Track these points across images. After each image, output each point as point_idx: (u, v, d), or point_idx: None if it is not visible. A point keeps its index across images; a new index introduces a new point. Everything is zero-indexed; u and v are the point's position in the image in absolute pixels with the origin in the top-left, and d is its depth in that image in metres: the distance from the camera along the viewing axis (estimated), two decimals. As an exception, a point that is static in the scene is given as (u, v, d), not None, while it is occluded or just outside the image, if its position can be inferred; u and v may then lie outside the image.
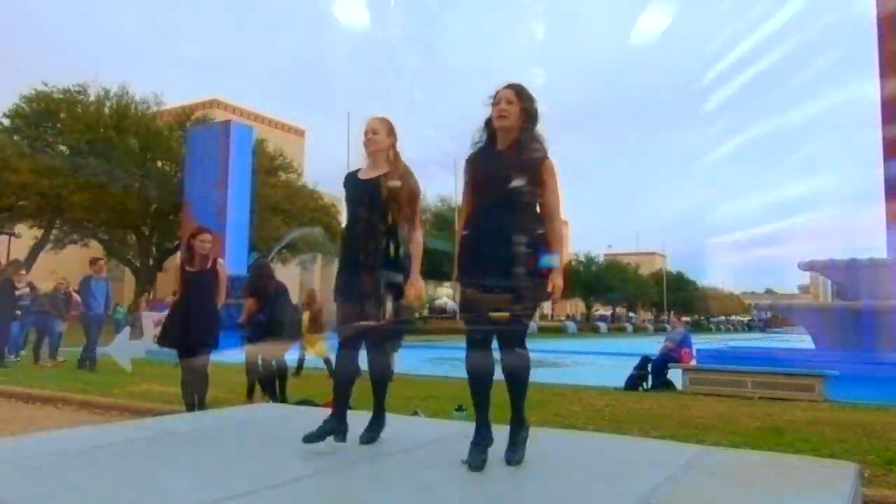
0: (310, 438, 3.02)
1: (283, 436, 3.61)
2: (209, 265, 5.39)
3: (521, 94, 2.89)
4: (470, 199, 2.97)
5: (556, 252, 2.81)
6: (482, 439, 2.83)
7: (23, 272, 11.43)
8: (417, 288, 3.15)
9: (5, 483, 2.45)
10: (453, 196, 39.70)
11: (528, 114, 2.89)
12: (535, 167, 2.83)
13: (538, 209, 2.87)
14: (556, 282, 2.76)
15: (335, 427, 3.08)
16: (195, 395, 5.41)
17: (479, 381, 2.87)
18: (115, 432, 3.79)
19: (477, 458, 2.75)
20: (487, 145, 2.97)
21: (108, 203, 26.23)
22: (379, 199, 3.13)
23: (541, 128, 2.94)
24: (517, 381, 2.89)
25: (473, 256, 2.83)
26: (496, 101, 2.91)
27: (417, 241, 3.20)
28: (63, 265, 33.16)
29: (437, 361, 13.78)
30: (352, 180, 3.30)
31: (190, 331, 5.25)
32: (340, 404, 3.17)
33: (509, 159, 2.85)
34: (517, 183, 2.79)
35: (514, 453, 2.84)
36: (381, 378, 3.34)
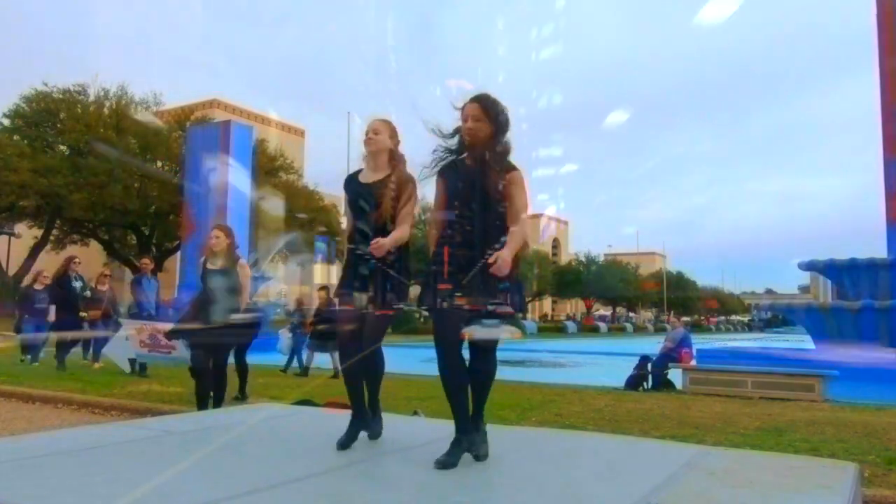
0: (342, 445, 3.10)
1: (283, 436, 3.61)
2: (230, 263, 5.37)
3: (487, 109, 2.86)
4: (441, 213, 2.95)
5: (513, 229, 2.76)
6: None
7: (45, 274, 11.22)
8: (382, 244, 3.00)
9: (5, 483, 2.45)
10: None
11: (497, 127, 2.86)
12: (504, 181, 2.82)
13: (506, 218, 2.86)
14: (503, 255, 2.63)
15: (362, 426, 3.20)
16: (209, 394, 5.39)
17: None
18: (115, 432, 3.79)
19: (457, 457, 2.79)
20: (457, 157, 2.97)
21: (108, 203, 26.25)
22: (380, 203, 3.11)
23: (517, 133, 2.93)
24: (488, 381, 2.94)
25: (448, 270, 2.82)
26: (463, 117, 2.89)
27: (402, 229, 3.14)
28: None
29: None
30: (353, 184, 3.28)
31: (209, 329, 5.22)
32: (357, 404, 3.22)
33: (479, 175, 2.83)
34: (487, 198, 2.80)
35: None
36: (375, 375, 3.31)
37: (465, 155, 2.95)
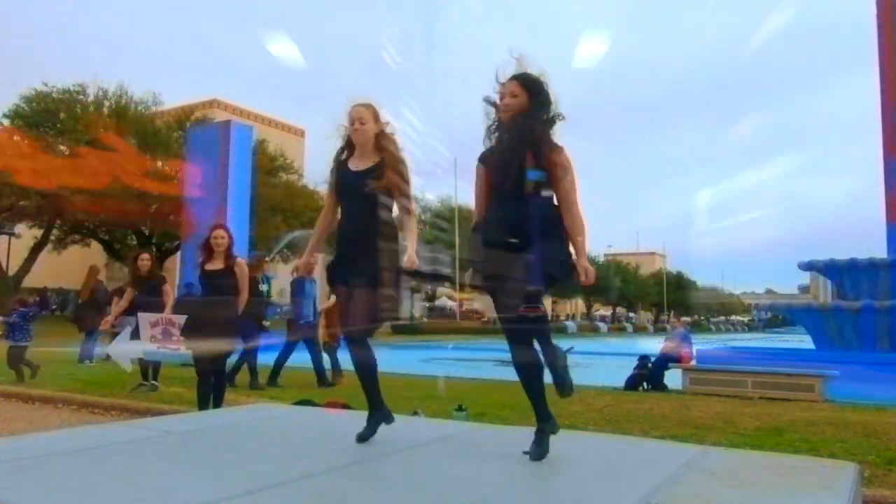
0: (362, 438, 3.18)
1: (283, 436, 3.62)
2: (229, 264, 5.35)
3: (526, 85, 2.82)
4: (483, 202, 2.92)
5: (578, 239, 2.77)
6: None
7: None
8: (412, 258, 3.06)
9: (5, 483, 2.45)
10: (453, 196, 39.71)
11: (536, 102, 2.81)
12: (543, 156, 2.75)
13: (554, 198, 2.81)
14: (585, 265, 2.72)
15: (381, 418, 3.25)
16: (210, 397, 5.39)
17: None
18: (115, 432, 3.79)
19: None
20: (496, 138, 2.92)
21: (108, 203, 26.23)
22: (373, 191, 3.08)
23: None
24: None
25: (490, 249, 2.80)
26: (501, 95, 2.86)
27: (412, 227, 3.15)
28: (63, 265, 33.19)
29: (437, 361, 13.82)
30: (342, 171, 3.23)
31: (210, 331, 5.20)
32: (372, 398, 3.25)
33: (519, 154, 2.76)
34: (527, 173, 2.73)
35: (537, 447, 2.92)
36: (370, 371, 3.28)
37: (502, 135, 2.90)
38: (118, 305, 7.47)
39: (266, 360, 8.39)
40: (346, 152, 3.28)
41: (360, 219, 3.11)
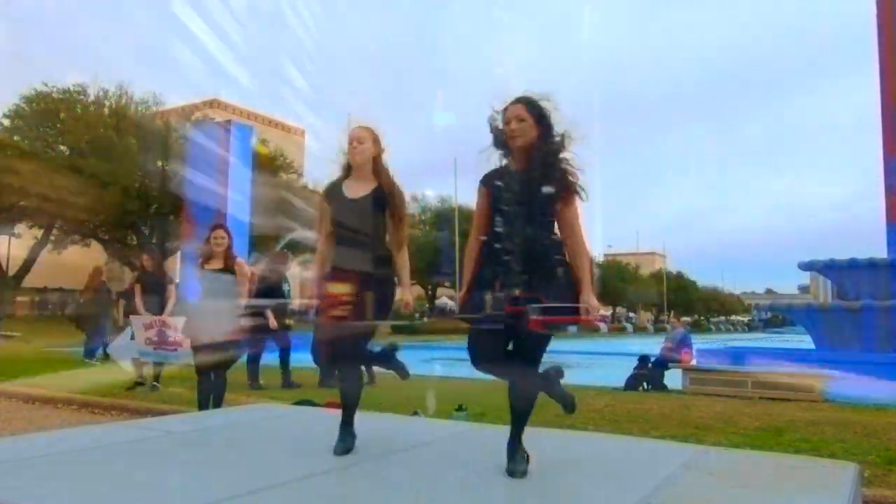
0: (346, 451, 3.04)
1: (284, 436, 3.62)
2: (229, 264, 5.34)
3: (531, 108, 2.71)
4: (485, 223, 2.79)
5: (583, 269, 2.65)
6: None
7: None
8: (409, 302, 3.16)
9: (5, 483, 2.45)
10: (453, 196, 39.68)
11: (543, 126, 2.71)
12: (554, 184, 2.64)
13: (556, 225, 2.72)
14: (590, 301, 2.60)
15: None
16: (210, 397, 5.38)
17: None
18: (116, 432, 3.80)
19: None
20: (502, 164, 2.80)
21: (108, 203, 26.23)
22: (370, 220, 3.02)
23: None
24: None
25: (492, 282, 2.64)
26: (506, 120, 2.73)
27: (404, 260, 3.12)
28: (63, 265, 33.20)
29: (437, 361, 13.82)
30: (338, 197, 3.12)
31: (210, 331, 5.20)
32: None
33: (528, 178, 2.66)
34: (538, 203, 2.63)
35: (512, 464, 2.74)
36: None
37: (507, 161, 2.78)
38: (140, 300, 7.51)
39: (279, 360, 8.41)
40: (340, 178, 3.18)
41: (354, 243, 3.00)
